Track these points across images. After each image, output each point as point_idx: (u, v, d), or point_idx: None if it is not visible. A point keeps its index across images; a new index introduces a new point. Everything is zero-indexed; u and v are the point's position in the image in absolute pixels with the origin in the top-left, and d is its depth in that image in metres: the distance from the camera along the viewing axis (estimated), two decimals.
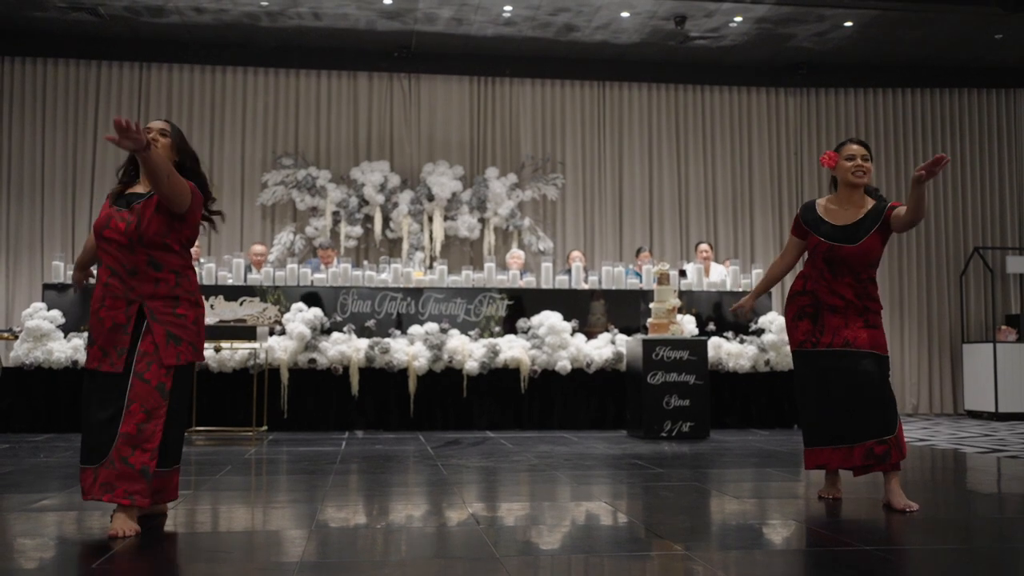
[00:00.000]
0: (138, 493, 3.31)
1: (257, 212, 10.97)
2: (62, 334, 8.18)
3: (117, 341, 3.39)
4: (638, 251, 10.26)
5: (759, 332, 8.84)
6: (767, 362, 8.63)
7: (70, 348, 8.01)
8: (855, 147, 4.05)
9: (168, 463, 3.53)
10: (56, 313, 8.24)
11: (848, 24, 10.13)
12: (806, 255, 4.22)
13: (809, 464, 4.15)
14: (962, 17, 9.84)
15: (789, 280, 11.39)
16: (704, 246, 9.94)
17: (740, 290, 9.19)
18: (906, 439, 4.33)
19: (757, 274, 9.41)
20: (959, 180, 11.81)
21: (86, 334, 8.15)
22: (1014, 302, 11.72)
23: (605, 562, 2.97)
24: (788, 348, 8.64)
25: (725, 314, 9.02)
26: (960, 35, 10.44)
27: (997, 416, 10.15)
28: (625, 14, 9.91)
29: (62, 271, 8.70)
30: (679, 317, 8.05)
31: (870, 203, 4.05)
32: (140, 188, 3.54)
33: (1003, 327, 10.94)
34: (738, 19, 10.00)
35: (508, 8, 9.75)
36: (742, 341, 8.77)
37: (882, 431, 3.89)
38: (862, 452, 3.93)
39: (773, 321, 8.81)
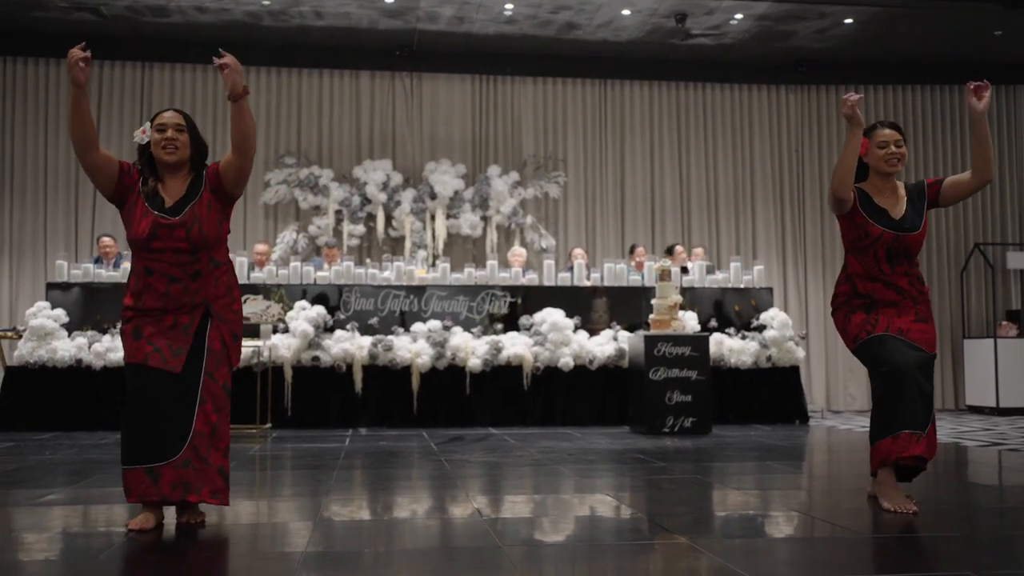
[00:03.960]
0: (221, 492, 3.34)
1: (260, 211, 11.00)
2: (66, 333, 8.21)
3: (176, 340, 3.35)
4: (632, 248, 10.24)
5: (761, 328, 8.86)
6: (769, 358, 8.65)
7: (74, 347, 8.05)
8: (887, 132, 3.80)
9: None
10: (60, 312, 8.26)
11: (848, 21, 10.15)
12: (851, 250, 3.85)
13: (884, 455, 3.63)
14: (962, 14, 9.85)
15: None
16: (680, 247, 9.96)
17: (742, 286, 9.21)
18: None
19: (759, 270, 9.43)
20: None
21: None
22: (1015, 298, 11.74)
23: (610, 552, 3.00)
24: (790, 344, 8.71)
25: (727, 311, 9.04)
26: (960, 32, 10.45)
27: (998, 411, 10.16)
28: (626, 12, 9.93)
29: (66, 270, 8.73)
30: (681, 313, 8.07)
31: (899, 183, 3.84)
32: (172, 191, 3.44)
33: (1004, 322, 10.96)
34: (739, 16, 10.02)
35: (509, 6, 9.78)
36: (744, 337, 8.79)
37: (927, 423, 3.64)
38: (927, 441, 3.62)
39: (775, 317, 8.83)
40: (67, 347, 8.04)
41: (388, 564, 2.82)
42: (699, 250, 10.09)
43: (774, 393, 8.71)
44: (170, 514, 3.45)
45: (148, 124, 3.47)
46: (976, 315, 11.63)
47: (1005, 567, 2.71)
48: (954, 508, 3.89)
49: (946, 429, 8.12)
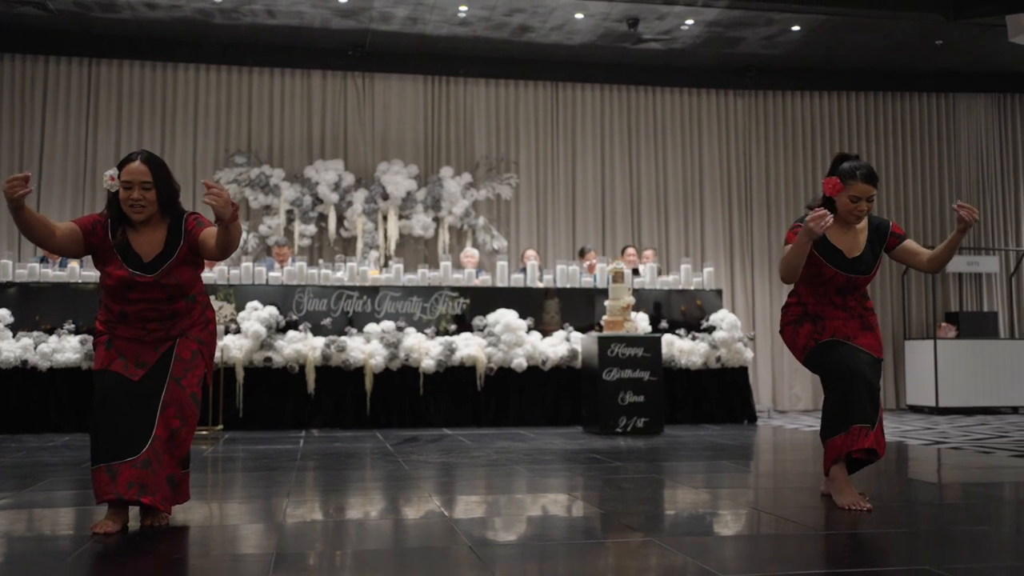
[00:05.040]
0: (167, 500, 3.35)
1: (209, 211, 10.83)
2: (11, 333, 8.06)
3: (144, 356, 3.39)
4: (582, 251, 10.34)
5: (710, 329, 9.01)
6: (718, 359, 8.81)
7: (19, 348, 7.89)
8: (863, 187, 3.76)
9: (185, 466, 3.50)
10: (5, 312, 8.11)
11: (795, 28, 10.37)
12: (803, 281, 3.94)
13: (837, 451, 3.74)
14: (904, 24, 10.12)
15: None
16: (631, 249, 10.12)
17: (692, 288, 9.36)
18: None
19: (708, 272, 9.58)
20: (900, 181, 12.13)
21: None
22: (953, 300, 12.08)
23: (569, 549, 3.06)
24: (739, 345, 8.87)
25: (675, 312, 9.18)
26: (902, 41, 10.74)
27: (938, 410, 10.46)
28: (579, 16, 10.03)
29: (10, 269, 8.56)
30: (633, 315, 8.18)
31: (865, 221, 3.92)
32: (147, 244, 3.42)
33: (943, 324, 11.27)
34: (689, 22, 10.18)
35: (463, 8, 9.81)
36: (694, 338, 8.93)
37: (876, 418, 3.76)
38: (876, 436, 3.72)
39: (724, 318, 8.99)
40: (12, 348, 7.89)
41: (356, 566, 2.84)
42: (649, 252, 10.24)
43: (723, 393, 8.87)
44: (135, 517, 3.43)
45: (116, 171, 3.40)
46: (916, 317, 11.95)
47: (960, 561, 2.83)
48: (904, 505, 4.03)
49: (888, 428, 8.34)
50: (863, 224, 3.93)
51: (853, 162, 3.84)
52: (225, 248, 3.34)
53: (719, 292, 9.51)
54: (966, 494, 4.46)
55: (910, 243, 3.95)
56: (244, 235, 10.68)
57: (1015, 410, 10.82)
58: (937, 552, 2.97)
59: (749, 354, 9.01)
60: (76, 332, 8.16)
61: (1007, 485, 4.71)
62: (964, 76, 12.04)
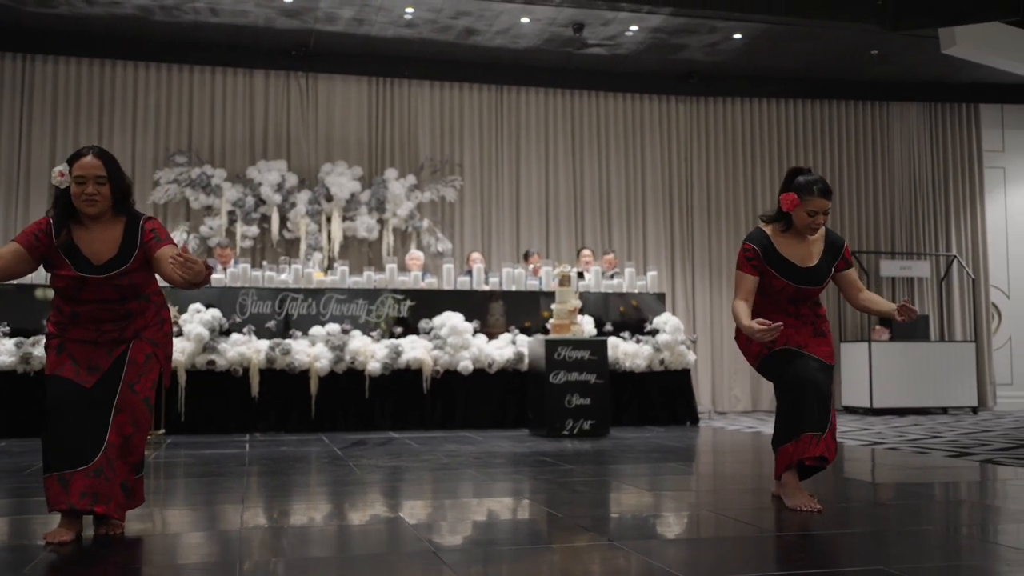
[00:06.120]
0: (121, 507, 3.30)
1: (149, 211, 10.65)
2: None
3: (97, 360, 3.32)
4: (526, 254, 10.40)
5: (654, 332, 9.13)
6: (662, 361, 8.93)
7: None
8: (820, 201, 3.88)
9: (138, 471, 3.44)
10: None
11: (737, 36, 10.55)
12: (758, 287, 3.98)
13: (788, 459, 3.83)
14: (842, 33, 10.37)
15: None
16: (587, 252, 10.25)
17: (636, 291, 9.46)
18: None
19: (652, 276, 9.70)
20: (836, 187, 12.41)
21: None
22: None
23: (521, 553, 3.09)
24: (682, 348, 9.00)
25: (617, 315, 9.27)
26: (840, 50, 11.00)
27: (872, 411, 10.74)
28: (525, 20, 10.08)
29: None
30: (579, 318, 8.25)
31: (821, 232, 4.02)
32: (100, 244, 3.34)
33: (877, 327, 11.57)
34: (634, 28, 10.29)
35: (410, 10, 9.79)
36: (638, 341, 9.04)
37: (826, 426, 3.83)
38: (826, 443, 3.81)
39: (667, 321, 9.11)
40: None
41: (321, 571, 2.83)
42: (610, 256, 10.36)
43: (667, 395, 8.99)
44: (89, 525, 3.37)
45: (66, 166, 3.32)
46: (852, 320, 12.25)
47: (913, 561, 2.91)
48: (849, 506, 4.14)
49: None
50: (819, 235, 4.04)
51: (808, 177, 3.94)
52: (184, 288, 3.27)
53: (662, 296, 9.63)
54: (908, 494, 4.60)
55: (853, 274, 4.13)
56: (185, 236, 10.51)
57: (944, 411, 11.16)
58: (888, 552, 3.06)
59: (692, 357, 9.15)
60: (11, 334, 7.95)
61: (946, 485, 4.86)
62: (898, 85, 12.38)
